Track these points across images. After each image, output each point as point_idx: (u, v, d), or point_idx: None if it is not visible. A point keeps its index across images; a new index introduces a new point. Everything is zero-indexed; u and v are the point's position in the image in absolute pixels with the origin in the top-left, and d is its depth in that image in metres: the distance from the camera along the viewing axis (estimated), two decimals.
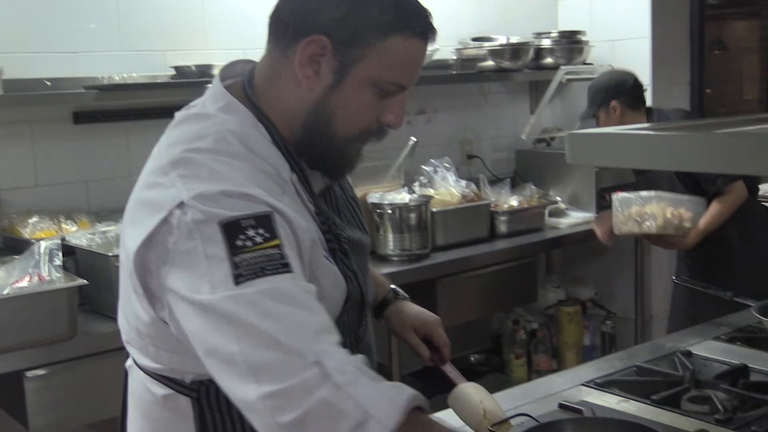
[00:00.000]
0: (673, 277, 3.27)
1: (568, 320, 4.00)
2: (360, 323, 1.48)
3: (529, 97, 4.44)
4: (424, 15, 1.37)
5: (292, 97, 1.36)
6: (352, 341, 1.46)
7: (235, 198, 1.23)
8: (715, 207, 3.19)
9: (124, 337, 1.43)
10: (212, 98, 1.40)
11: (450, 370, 1.71)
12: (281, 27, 1.36)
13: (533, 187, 3.78)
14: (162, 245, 1.24)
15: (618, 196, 3.22)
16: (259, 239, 1.21)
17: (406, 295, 1.82)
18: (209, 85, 1.45)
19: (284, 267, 1.21)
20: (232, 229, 1.20)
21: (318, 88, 1.34)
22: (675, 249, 3.32)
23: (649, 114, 3.42)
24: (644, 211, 3.12)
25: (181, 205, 1.23)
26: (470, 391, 1.56)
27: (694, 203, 3.15)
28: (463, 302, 3.34)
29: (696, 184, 3.19)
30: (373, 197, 3.27)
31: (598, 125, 3.44)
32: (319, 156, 1.39)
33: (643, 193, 3.16)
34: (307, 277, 1.28)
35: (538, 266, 3.86)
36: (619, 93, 3.39)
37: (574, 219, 3.81)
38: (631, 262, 4.09)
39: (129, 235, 1.30)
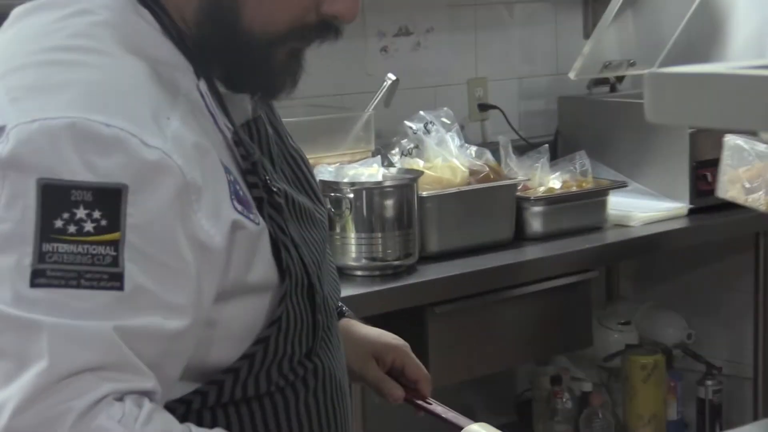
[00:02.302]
0: None
1: (642, 378, 4.05)
2: (314, 330, 1.55)
3: (583, 11, 4.48)
4: None
5: None
6: (296, 358, 1.54)
7: (89, 143, 1.33)
8: None
9: None
10: None
11: (441, 409, 1.90)
12: None
13: (587, 158, 3.83)
14: None
15: (730, 142, 3.23)
16: (89, 227, 1.31)
17: (353, 314, 1.97)
18: None
19: (111, 279, 1.31)
20: (54, 198, 1.31)
21: None
22: None
23: None
24: (760, 174, 3.11)
25: (1, 129, 1.34)
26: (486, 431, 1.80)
27: None
28: (468, 346, 3.38)
29: None
30: (326, 172, 3.29)
31: None
32: (233, 63, 1.51)
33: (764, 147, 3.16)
34: (219, 238, 1.40)
35: (595, 289, 3.90)
36: None
37: (655, 212, 3.86)
38: (749, 284, 4.14)
39: None
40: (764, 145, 3.10)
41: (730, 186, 3.20)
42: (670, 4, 4.27)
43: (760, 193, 3.09)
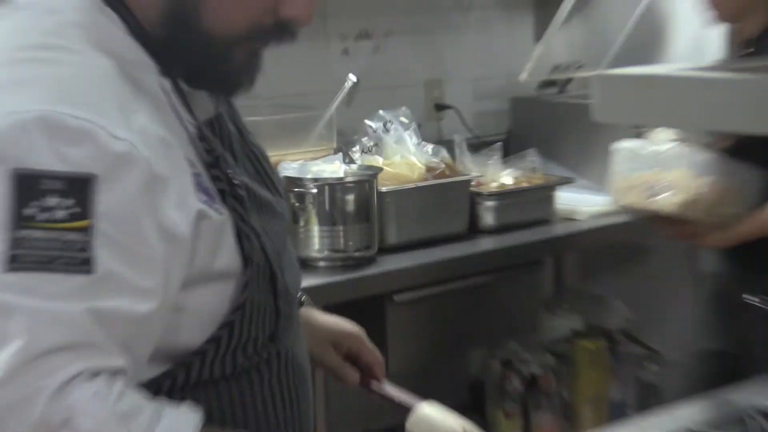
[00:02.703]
0: (745, 296, 3.28)
1: (587, 362, 4.06)
2: (276, 316, 1.56)
3: (534, 16, 4.48)
4: None
5: None
6: (259, 342, 1.55)
7: (59, 135, 1.32)
8: None
9: None
10: None
11: (394, 391, 1.97)
12: None
13: (537, 156, 3.84)
14: None
15: (622, 148, 3.17)
16: (60, 214, 1.31)
17: (312, 302, 1.99)
18: None
19: (82, 264, 1.31)
20: (25, 187, 1.30)
21: None
22: (702, 245, 3.19)
23: None
24: (661, 177, 3.00)
25: None
26: (437, 411, 1.91)
27: (749, 177, 2.97)
28: (425, 332, 3.38)
29: None
30: (290, 168, 3.29)
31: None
32: (194, 63, 1.52)
33: (665, 148, 3.03)
34: (184, 226, 1.40)
35: (543, 278, 3.91)
36: None
37: (600, 207, 3.86)
38: (684, 273, 4.17)
39: None
40: (667, 146, 2.95)
41: (627, 193, 3.10)
42: (615, 10, 4.28)
43: (668, 194, 2.95)
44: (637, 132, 3.18)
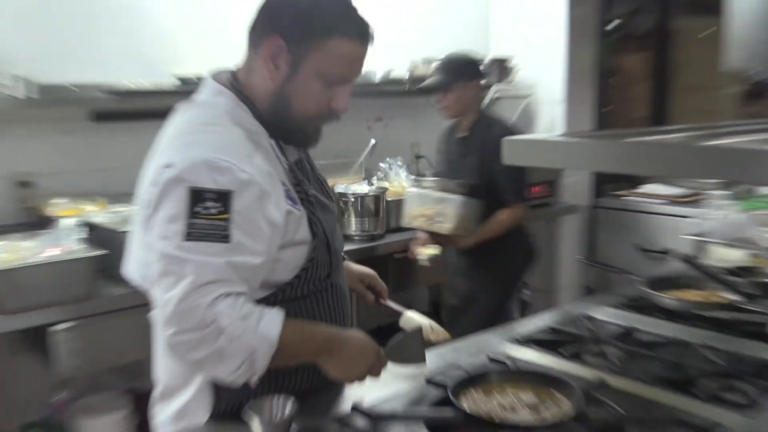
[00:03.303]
0: (578, 256, 3.28)
1: None
2: (330, 264, 1.52)
3: None
4: (360, 21, 1.43)
5: (262, 86, 1.44)
6: (321, 278, 1.50)
7: (214, 170, 1.31)
8: (496, 217, 3.00)
9: (144, 285, 1.45)
10: (205, 90, 1.49)
11: (393, 304, 1.91)
12: (252, 29, 1.45)
13: None
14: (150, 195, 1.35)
15: (411, 191, 3.08)
16: (213, 211, 1.30)
17: (349, 258, 1.90)
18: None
19: (224, 238, 1.30)
20: (196, 197, 1.30)
21: (278, 78, 1.42)
22: (455, 246, 3.11)
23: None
24: (436, 211, 2.96)
25: (169, 165, 1.32)
26: (416, 314, 1.90)
27: (477, 207, 2.97)
28: (410, 275, 3.36)
29: (492, 185, 3.00)
30: (340, 188, 3.28)
31: (444, 99, 3.08)
32: (286, 132, 1.47)
33: (439, 195, 2.99)
34: (280, 218, 1.38)
35: None
36: (481, 74, 3.13)
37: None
38: (546, 243, 4.14)
39: (141, 196, 1.41)
40: (440, 194, 2.98)
41: (414, 219, 3.06)
42: (506, 108, 4.24)
43: (443, 224, 2.96)
44: (419, 183, 3.20)
